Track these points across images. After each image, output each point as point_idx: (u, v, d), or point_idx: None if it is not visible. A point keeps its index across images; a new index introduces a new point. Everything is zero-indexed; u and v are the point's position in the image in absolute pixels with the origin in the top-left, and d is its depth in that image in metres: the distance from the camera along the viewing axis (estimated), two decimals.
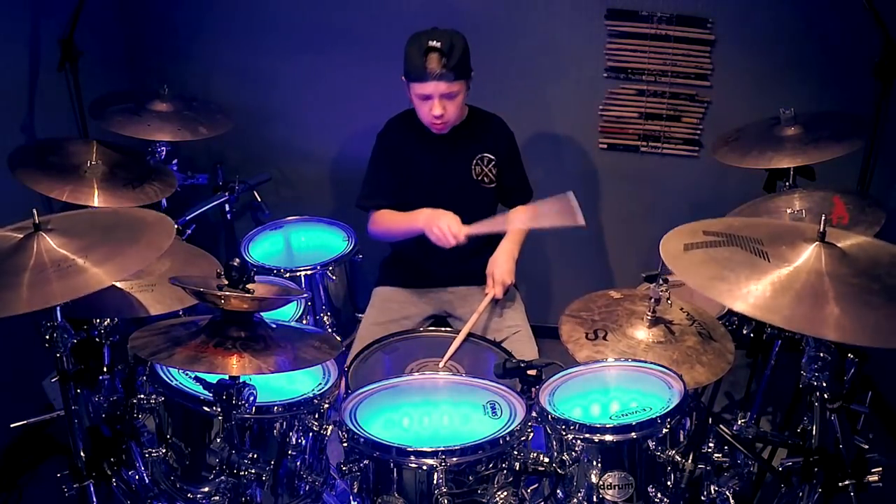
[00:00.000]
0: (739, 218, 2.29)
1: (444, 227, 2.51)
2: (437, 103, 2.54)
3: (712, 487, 1.97)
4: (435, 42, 2.48)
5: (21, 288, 1.72)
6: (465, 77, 2.57)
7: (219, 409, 1.80)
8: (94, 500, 2.03)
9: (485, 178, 2.74)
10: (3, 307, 1.68)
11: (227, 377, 1.77)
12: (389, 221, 2.72)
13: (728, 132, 2.85)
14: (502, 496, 1.87)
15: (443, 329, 2.61)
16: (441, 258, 2.77)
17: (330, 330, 2.79)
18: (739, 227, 1.93)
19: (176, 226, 2.86)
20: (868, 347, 2.12)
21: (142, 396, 2.04)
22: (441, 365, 2.34)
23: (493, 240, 2.87)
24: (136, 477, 2.11)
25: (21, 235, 1.84)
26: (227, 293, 1.78)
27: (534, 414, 1.97)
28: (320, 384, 2.04)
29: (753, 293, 1.67)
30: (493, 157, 2.73)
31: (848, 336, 1.60)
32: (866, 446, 1.97)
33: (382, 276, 2.91)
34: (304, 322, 2.65)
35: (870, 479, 1.92)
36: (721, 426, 2.10)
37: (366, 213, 2.80)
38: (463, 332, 2.46)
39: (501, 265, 2.65)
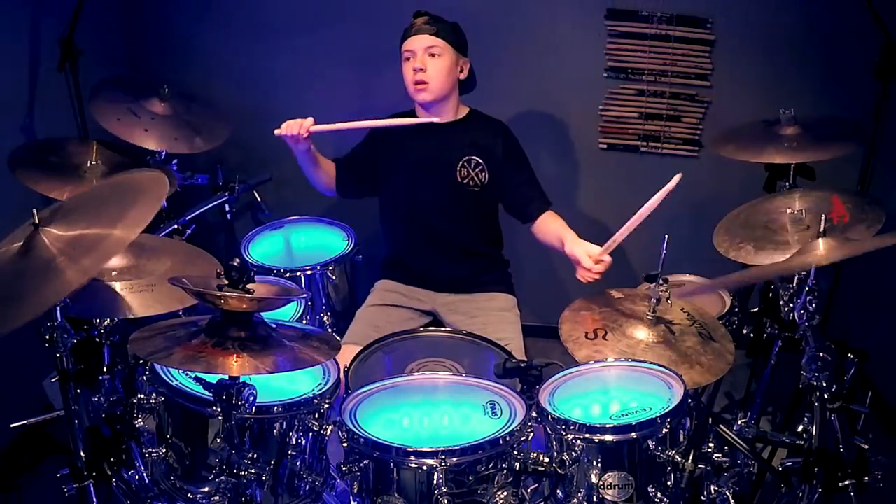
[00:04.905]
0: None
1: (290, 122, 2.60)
2: (419, 57, 2.60)
3: (712, 487, 1.97)
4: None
5: (50, 283, 1.69)
6: (450, 41, 2.63)
7: (219, 409, 1.80)
8: (94, 500, 2.02)
9: (470, 182, 2.70)
10: (33, 309, 1.66)
11: (226, 377, 1.77)
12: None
13: (728, 131, 2.84)
14: (502, 496, 1.87)
15: (443, 329, 2.61)
16: (429, 260, 2.78)
17: (330, 330, 2.79)
18: None
19: (176, 226, 2.89)
20: (869, 347, 2.13)
21: (142, 396, 2.04)
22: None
23: (484, 247, 2.86)
24: (136, 477, 2.11)
25: (20, 241, 1.84)
26: (227, 293, 1.78)
27: (534, 414, 1.97)
28: (320, 384, 2.04)
29: None
30: (481, 161, 2.70)
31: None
32: (866, 446, 1.97)
33: (384, 272, 2.92)
34: (304, 322, 2.65)
35: (870, 479, 1.92)
36: (721, 426, 2.10)
37: (360, 200, 2.95)
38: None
39: (581, 245, 2.52)
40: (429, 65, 2.60)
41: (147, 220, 1.79)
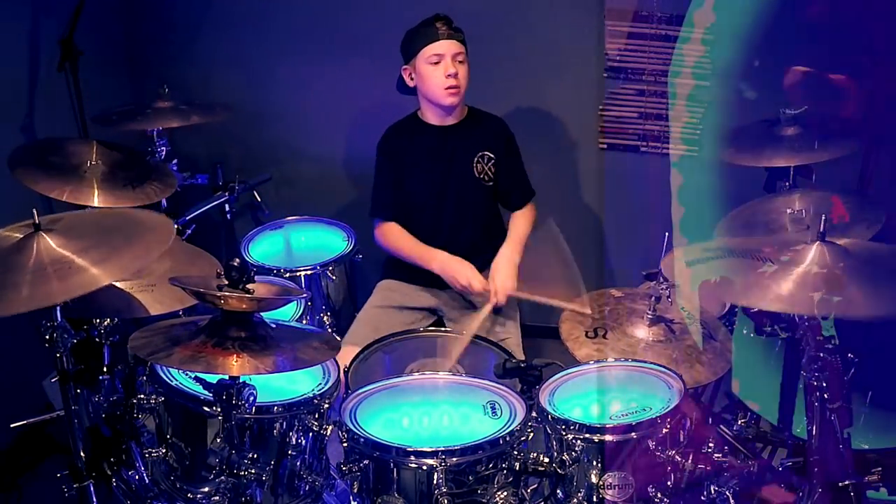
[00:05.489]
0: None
1: (465, 281, 2.62)
2: (450, 62, 2.62)
3: (712, 487, 1.97)
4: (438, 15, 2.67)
5: (21, 287, 1.72)
6: (467, 47, 2.67)
7: (219, 409, 1.80)
8: (94, 500, 2.03)
9: (484, 177, 2.76)
10: (4, 306, 1.68)
11: (226, 377, 1.77)
12: (401, 246, 2.77)
13: (728, 131, 2.84)
14: (502, 496, 1.87)
15: (442, 329, 2.61)
16: None
17: (330, 330, 2.79)
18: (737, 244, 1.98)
19: (176, 226, 2.88)
20: (867, 347, 2.13)
21: (142, 396, 2.04)
22: (447, 367, 2.33)
23: (490, 243, 2.86)
24: (136, 477, 2.11)
25: (21, 235, 1.84)
26: (227, 293, 1.78)
27: (534, 414, 1.97)
28: (320, 384, 2.04)
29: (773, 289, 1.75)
30: (492, 156, 2.75)
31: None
32: (866, 446, 1.97)
33: (386, 272, 2.92)
34: (304, 322, 2.65)
35: (870, 479, 1.92)
36: (721, 426, 2.10)
37: (360, 200, 2.91)
38: (465, 339, 2.44)
39: (503, 271, 2.64)
40: (458, 69, 2.65)
41: (131, 270, 1.82)
